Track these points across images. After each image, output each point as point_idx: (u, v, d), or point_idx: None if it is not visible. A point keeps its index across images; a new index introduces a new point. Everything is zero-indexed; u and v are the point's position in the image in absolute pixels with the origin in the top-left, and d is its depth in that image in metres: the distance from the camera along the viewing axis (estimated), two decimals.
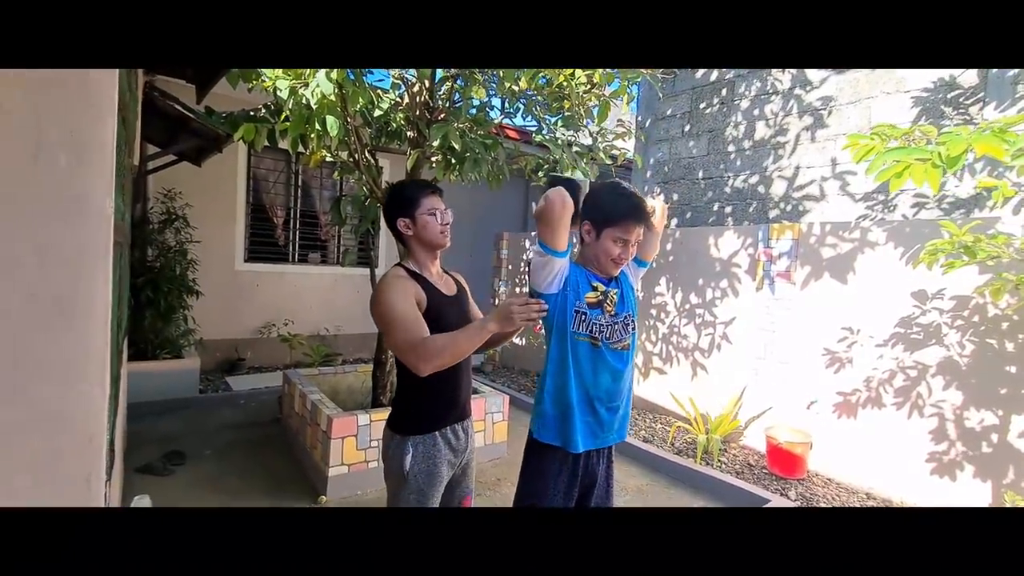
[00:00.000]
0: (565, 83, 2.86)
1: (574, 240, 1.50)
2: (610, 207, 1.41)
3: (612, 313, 1.45)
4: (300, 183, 6.01)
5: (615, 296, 1.47)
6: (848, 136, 1.79)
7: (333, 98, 2.62)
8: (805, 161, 3.94)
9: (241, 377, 5.23)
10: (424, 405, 1.61)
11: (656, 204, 1.59)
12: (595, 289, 1.44)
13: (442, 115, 3.29)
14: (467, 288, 1.80)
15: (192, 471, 3.17)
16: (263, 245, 5.78)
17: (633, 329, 1.50)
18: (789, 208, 4.02)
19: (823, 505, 2.95)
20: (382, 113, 3.41)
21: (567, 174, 1.57)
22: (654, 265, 4.49)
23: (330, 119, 2.66)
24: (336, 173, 3.51)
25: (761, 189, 4.22)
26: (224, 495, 2.87)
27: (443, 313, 1.58)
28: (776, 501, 2.88)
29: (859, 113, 3.67)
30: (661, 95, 5.02)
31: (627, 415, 1.55)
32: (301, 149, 3.16)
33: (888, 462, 3.06)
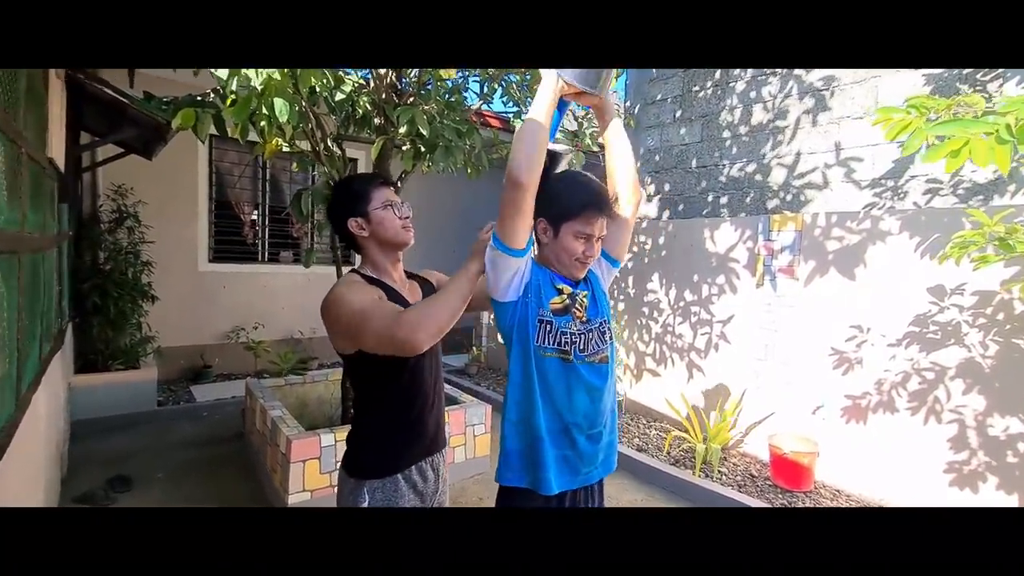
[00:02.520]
0: None
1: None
2: (567, 198, 1.16)
3: (583, 319, 1.18)
4: (268, 177, 5.63)
5: (585, 299, 1.20)
6: (878, 110, 1.51)
7: (279, 77, 2.29)
8: (806, 146, 3.68)
9: (207, 386, 4.88)
10: (381, 440, 1.32)
11: (626, 188, 1.32)
12: (561, 292, 1.17)
13: (411, 99, 2.97)
14: (434, 281, 1.52)
15: (138, 499, 2.84)
16: (229, 244, 5.40)
17: (611, 339, 1.22)
18: (789, 197, 3.76)
19: None
20: (344, 97, 3.08)
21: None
22: (635, 263, 4.21)
23: (279, 102, 2.32)
24: (295, 165, 3.17)
25: (759, 177, 3.95)
26: None
27: None
28: None
29: (864, 93, 3.40)
30: (653, 72, 4.72)
31: (613, 443, 1.27)
32: (255, 138, 2.83)
33: (902, 472, 2.82)
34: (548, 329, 1.14)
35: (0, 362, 1.50)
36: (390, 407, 1.33)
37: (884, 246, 2.92)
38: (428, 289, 1.47)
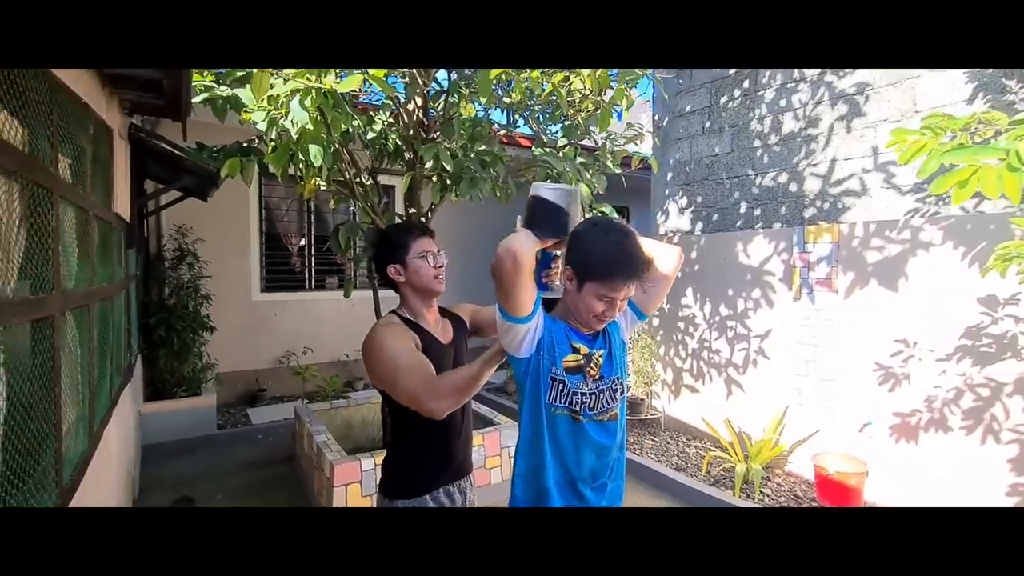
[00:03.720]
0: (555, 92, 2.62)
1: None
2: (594, 257, 1.10)
3: (596, 378, 1.17)
4: (313, 208, 5.95)
5: (600, 357, 1.19)
6: (892, 132, 1.47)
7: (311, 127, 2.46)
8: (842, 153, 3.55)
9: (262, 409, 5.17)
10: (411, 465, 1.46)
11: (665, 252, 1.27)
12: (576, 351, 1.16)
13: (436, 134, 3.10)
14: (465, 317, 1.64)
15: None
16: (279, 274, 5.73)
17: (623, 393, 1.22)
18: (827, 206, 3.63)
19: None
20: (376, 135, 3.25)
21: (554, 184, 1.29)
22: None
23: (313, 148, 2.50)
24: (332, 201, 3.37)
25: (793, 187, 3.84)
26: None
27: (439, 360, 1.42)
28: None
29: (902, 95, 3.26)
30: (667, 96, 4.69)
31: (617, 488, 1.27)
32: (296, 173, 3.03)
33: (959, 494, 2.65)
34: (560, 388, 1.14)
35: (76, 404, 1.69)
36: (420, 436, 1.44)
37: (927, 255, 2.78)
38: (459, 325, 1.59)
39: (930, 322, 2.76)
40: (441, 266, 1.47)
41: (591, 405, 1.16)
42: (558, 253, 1.23)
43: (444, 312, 1.59)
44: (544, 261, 1.25)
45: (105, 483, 2.18)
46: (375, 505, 1.52)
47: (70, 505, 1.50)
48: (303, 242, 5.93)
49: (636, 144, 3.45)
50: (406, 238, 1.47)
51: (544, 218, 1.20)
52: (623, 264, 1.09)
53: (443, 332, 1.51)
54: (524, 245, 1.06)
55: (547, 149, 3.09)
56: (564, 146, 3.20)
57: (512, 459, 3.29)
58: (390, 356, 1.29)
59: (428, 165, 2.85)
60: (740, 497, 3.01)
